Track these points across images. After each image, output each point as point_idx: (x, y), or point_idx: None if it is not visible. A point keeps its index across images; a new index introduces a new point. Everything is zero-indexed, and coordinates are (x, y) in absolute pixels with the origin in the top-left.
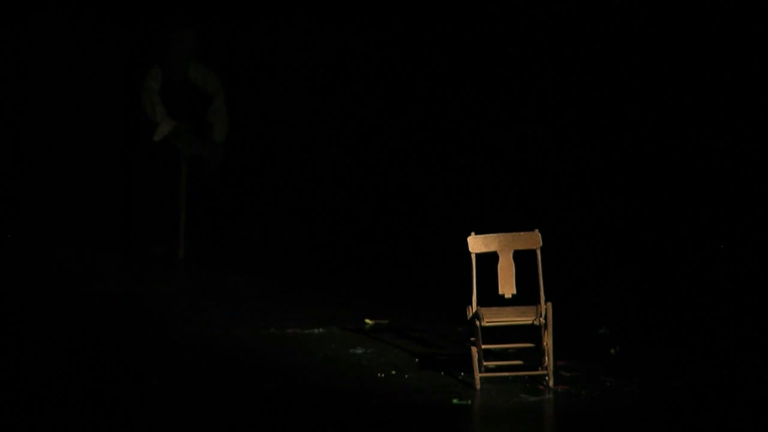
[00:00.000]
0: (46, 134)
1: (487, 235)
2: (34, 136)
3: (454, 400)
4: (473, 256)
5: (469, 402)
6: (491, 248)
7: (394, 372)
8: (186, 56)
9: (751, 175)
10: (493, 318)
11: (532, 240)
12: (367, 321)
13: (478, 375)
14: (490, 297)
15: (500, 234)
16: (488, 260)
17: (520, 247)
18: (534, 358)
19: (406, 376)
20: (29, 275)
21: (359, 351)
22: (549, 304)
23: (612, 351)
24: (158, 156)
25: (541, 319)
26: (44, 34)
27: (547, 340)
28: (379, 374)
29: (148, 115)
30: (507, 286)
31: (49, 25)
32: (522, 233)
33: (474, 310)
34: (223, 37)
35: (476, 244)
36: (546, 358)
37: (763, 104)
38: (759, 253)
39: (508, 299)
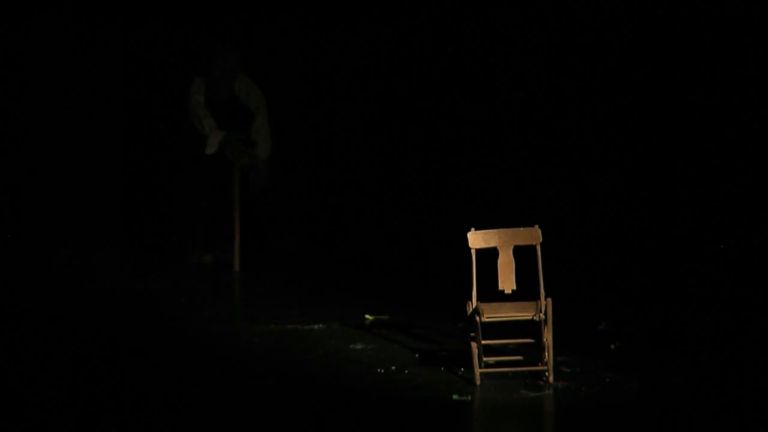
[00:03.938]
0: (52, 132)
1: (487, 230)
2: (37, 135)
3: (454, 396)
4: (473, 252)
5: (469, 398)
6: (491, 244)
7: (394, 368)
8: (232, 74)
9: (752, 172)
10: (493, 314)
11: (532, 236)
12: (368, 317)
13: (478, 371)
14: (490, 293)
15: (500, 230)
16: (488, 256)
17: (520, 242)
18: (534, 353)
19: (406, 371)
20: (31, 272)
21: (359, 347)
22: (549, 299)
23: (612, 347)
24: (209, 167)
25: (541, 315)
26: (48, 30)
27: (547, 336)
28: (379, 370)
29: (196, 128)
30: (507, 282)
31: (52, 22)
32: (522, 229)
33: (474, 306)
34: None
35: (476, 239)
36: (546, 353)
37: (763, 102)
38: (759, 250)
39: (508, 295)
